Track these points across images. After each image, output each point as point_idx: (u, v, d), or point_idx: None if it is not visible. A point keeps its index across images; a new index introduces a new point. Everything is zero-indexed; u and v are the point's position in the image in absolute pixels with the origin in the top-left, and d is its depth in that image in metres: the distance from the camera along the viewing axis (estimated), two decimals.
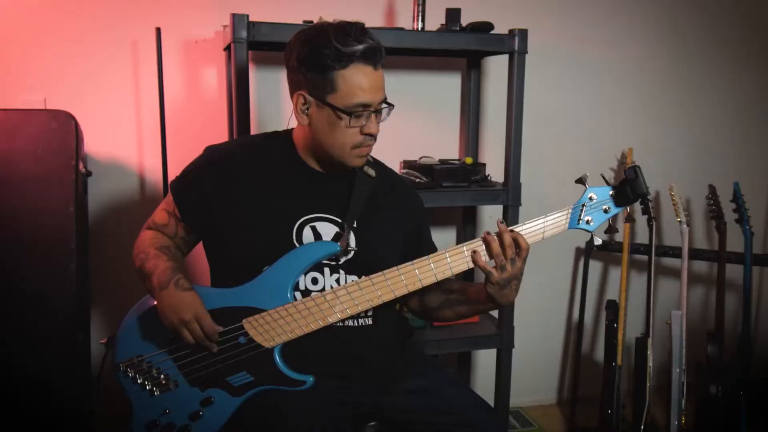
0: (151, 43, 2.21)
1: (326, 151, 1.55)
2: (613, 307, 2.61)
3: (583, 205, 1.55)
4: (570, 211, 1.55)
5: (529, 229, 1.53)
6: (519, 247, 1.49)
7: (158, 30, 2.14)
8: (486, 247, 1.50)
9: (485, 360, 2.89)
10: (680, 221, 2.64)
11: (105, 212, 2.40)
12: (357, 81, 1.45)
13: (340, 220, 1.60)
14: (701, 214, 3.10)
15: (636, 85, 2.93)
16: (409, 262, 1.53)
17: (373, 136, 1.53)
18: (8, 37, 2.24)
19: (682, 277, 2.58)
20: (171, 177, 2.25)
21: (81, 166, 2.10)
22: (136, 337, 1.58)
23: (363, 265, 1.59)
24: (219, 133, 2.44)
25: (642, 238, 2.89)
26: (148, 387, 1.56)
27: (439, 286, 1.64)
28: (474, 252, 1.51)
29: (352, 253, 1.59)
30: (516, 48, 2.24)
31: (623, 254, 2.73)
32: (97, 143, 2.34)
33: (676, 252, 2.74)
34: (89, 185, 2.27)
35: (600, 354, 3.07)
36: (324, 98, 1.47)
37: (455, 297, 1.68)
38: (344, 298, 1.53)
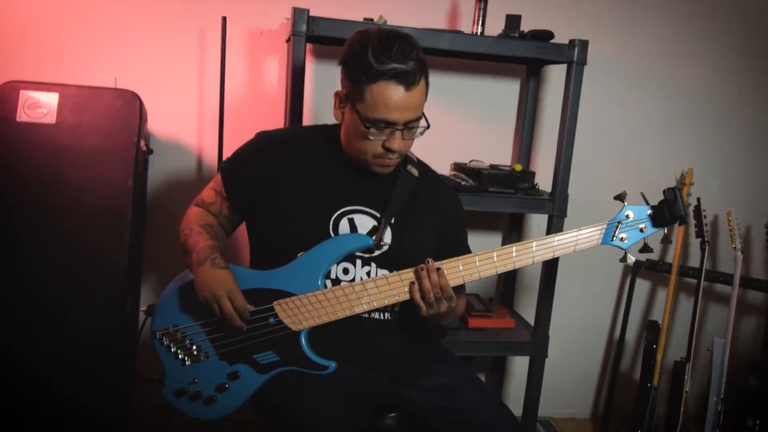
0: (218, 31, 2.30)
1: (351, 152, 1.59)
2: (653, 328, 2.57)
3: (618, 222, 1.55)
4: (605, 226, 1.55)
5: (561, 240, 1.54)
6: (441, 287, 1.51)
7: (224, 19, 2.22)
8: (418, 281, 1.53)
9: (520, 366, 2.88)
10: (735, 247, 2.58)
11: (163, 189, 2.52)
12: (382, 98, 1.46)
13: (378, 214, 1.64)
14: (761, 243, 3.00)
15: (700, 104, 2.85)
16: (439, 262, 1.56)
17: (394, 152, 1.54)
18: (85, 19, 2.37)
19: (731, 305, 2.52)
20: None
21: (142, 143, 2.21)
22: (173, 307, 1.67)
23: (395, 261, 1.63)
24: (277, 122, 2.52)
25: (695, 261, 2.82)
26: (180, 356, 1.65)
27: None
28: (412, 283, 1.54)
29: (386, 247, 1.63)
30: (575, 59, 2.23)
31: (671, 275, 2.68)
32: (160, 123, 2.45)
33: (727, 279, 2.67)
34: (150, 162, 2.39)
35: (638, 373, 3.01)
36: (354, 104, 1.51)
37: None
38: (372, 290, 1.57)
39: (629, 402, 2.87)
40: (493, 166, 2.49)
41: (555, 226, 2.33)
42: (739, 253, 2.56)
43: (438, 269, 1.53)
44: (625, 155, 2.85)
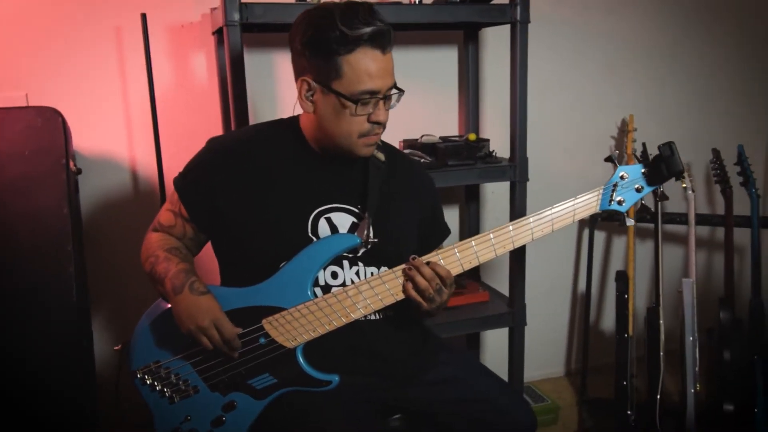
0: (135, 29, 2.09)
1: (332, 140, 1.47)
2: (623, 278, 2.58)
3: (614, 185, 1.50)
4: (601, 191, 1.50)
5: (558, 211, 1.49)
6: (440, 276, 1.44)
7: (144, 16, 2.02)
8: (411, 281, 1.45)
9: (493, 336, 2.85)
10: (685, 187, 2.61)
11: (97, 210, 2.30)
12: (363, 66, 1.37)
13: (356, 210, 1.53)
14: (701, 179, 3.08)
15: (635, 51, 2.86)
16: (434, 253, 1.48)
17: (381, 124, 1.45)
18: None
19: (689, 244, 2.55)
20: (166, 169, 2.16)
21: (72, 164, 1.99)
22: (151, 342, 1.51)
23: (382, 256, 1.54)
24: (212, 121, 2.34)
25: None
26: (167, 394, 1.50)
27: None
28: (406, 281, 1.46)
29: (371, 244, 1.52)
30: (518, 18, 2.16)
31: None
32: (84, 138, 2.22)
33: (682, 219, 2.71)
34: (80, 183, 2.17)
35: (605, 324, 3.06)
36: (329, 84, 1.39)
37: None
38: (367, 293, 1.47)
39: (600, 354, 2.91)
40: (445, 139, 2.41)
41: (518, 192, 2.28)
42: (691, 192, 2.59)
43: (428, 262, 1.44)
44: (567, 109, 2.83)
